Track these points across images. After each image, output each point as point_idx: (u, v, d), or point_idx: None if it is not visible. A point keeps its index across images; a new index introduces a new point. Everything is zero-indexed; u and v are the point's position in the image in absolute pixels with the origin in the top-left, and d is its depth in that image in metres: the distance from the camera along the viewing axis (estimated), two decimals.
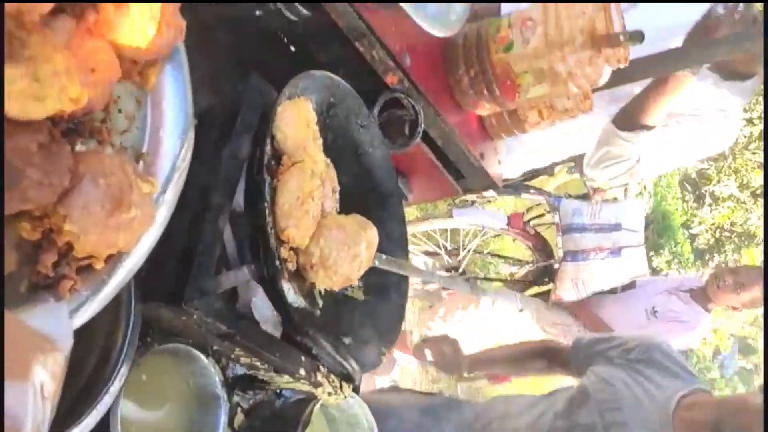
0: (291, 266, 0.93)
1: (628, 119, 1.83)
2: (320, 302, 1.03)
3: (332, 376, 1.06)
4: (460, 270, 3.53)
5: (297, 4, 1.28)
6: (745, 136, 7.98)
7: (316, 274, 0.95)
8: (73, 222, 0.61)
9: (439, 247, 3.56)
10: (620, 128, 1.85)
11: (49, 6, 0.56)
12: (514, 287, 3.54)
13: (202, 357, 1.05)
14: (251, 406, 1.19)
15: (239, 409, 1.16)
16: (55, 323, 0.56)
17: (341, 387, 1.06)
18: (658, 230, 8.31)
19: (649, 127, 1.81)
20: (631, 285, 3.06)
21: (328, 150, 1.15)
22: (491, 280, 3.86)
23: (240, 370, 1.19)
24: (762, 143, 7.77)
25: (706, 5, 1.85)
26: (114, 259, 0.68)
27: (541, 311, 3.03)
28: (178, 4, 0.80)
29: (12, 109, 0.53)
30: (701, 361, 8.89)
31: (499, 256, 3.97)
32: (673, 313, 2.91)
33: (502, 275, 3.97)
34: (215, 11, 1.35)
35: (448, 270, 3.55)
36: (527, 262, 3.65)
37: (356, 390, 1.17)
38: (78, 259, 0.64)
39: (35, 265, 0.62)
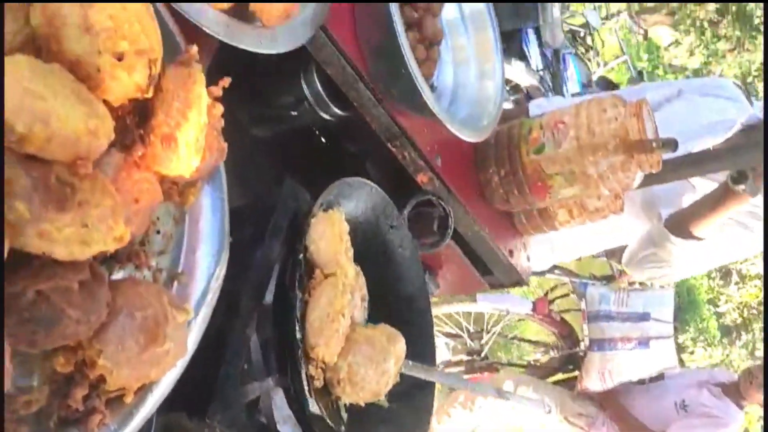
0: (318, 383, 0.91)
1: (682, 228, 1.82)
2: (345, 416, 1.01)
3: None
4: (483, 354, 3.46)
5: (332, 106, 1.31)
6: None
7: (343, 390, 0.93)
8: (107, 357, 0.60)
9: (461, 329, 3.51)
10: (673, 233, 1.84)
11: (103, 149, 0.57)
12: (538, 373, 3.45)
13: None
14: None
15: None
16: None
17: None
18: (683, 306, 8.13)
19: (699, 239, 1.80)
20: (660, 376, 2.96)
21: (357, 251, 1.15)
22: (514, 365, 3.76)
23: None
24: None
25: (740, 106, 1.86)
26: (143, 390, 0.67)
27: (565, 401, 2.93)
28: (221, 127, 0.82)
29: (58, 253, 0.54)
30: None
31: (523, 340, 3.89)
32: (705, 407, 2.79)
33: (525, 361, 3.88)
34: (251, 111, 1.40)
35: (470, 354, 3.48)
36: (552, 347, 3.57)
37: None
38: (108, 391, 0.63)
39: (65, 398, 0.61)
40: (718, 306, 9.02)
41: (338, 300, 0.89)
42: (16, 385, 0.57)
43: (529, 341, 3.91)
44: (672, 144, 1.35)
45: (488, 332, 3.48)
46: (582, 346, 3.11)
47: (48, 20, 0.57)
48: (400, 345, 1.00)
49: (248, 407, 1.02)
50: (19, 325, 0.53)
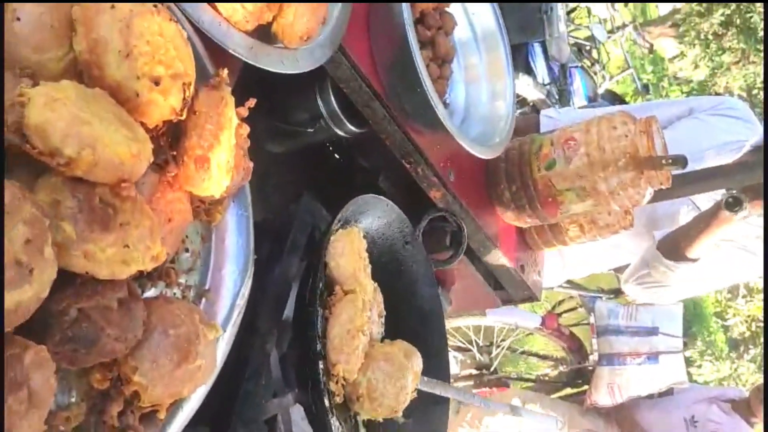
0: (338, 399, 0.92)
1: (674, 250, 1.84)
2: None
3: None
4: (492, 368, 3.46)
5: (348, 123, 1.33)
6: None
7: (361, 405, 0.94)
8: (142, 374, 0.62)
9: (470, 343, 3.51)
10: (666, 256, 1.85)
11: (143, 171, 0.59)
12: (547, 388, 3.44)
13: None
14: None
15: None
16: None
17: None
18: (689, 319, 8.08)
19: (693, 260, 1.81)
20: (669, 391, 2.95)
21: (372, 267, 1.16)
22: (523, 380, 3.76)
23: None
24: None
25: (751, 127, 1.87)
26: (174, 405, 0.68)
27: (574, 417, 2.92)
28: (247, 146, 0.84)
29: (100, 272, 0.56)
30: None
31: (532, 354, 3.88)
32: (714, 424, 2.77)
33: (534, 375, 3.87)
34: (268, 127, 1.42)
35: (479, 368, 3.48)
36: (561, 362, 3.57)
37: None
38: (142, 407, 0.64)
39: (101, 414, 0.63)
40: (725, 319, 8.97)
41: (359, 317, 0.91)
42: (56, 401, 0.59)
43: (538, 355, 3.91)
44: (681, 161, 1.36)
45: (497, 346, 3.48)
46: (591, 360, 3.11)
47: (90, 47, 0.59)
48: (417, 361, 1.02)
49: (268, 422, 1.03)
50: (61, 343, 0.55)
